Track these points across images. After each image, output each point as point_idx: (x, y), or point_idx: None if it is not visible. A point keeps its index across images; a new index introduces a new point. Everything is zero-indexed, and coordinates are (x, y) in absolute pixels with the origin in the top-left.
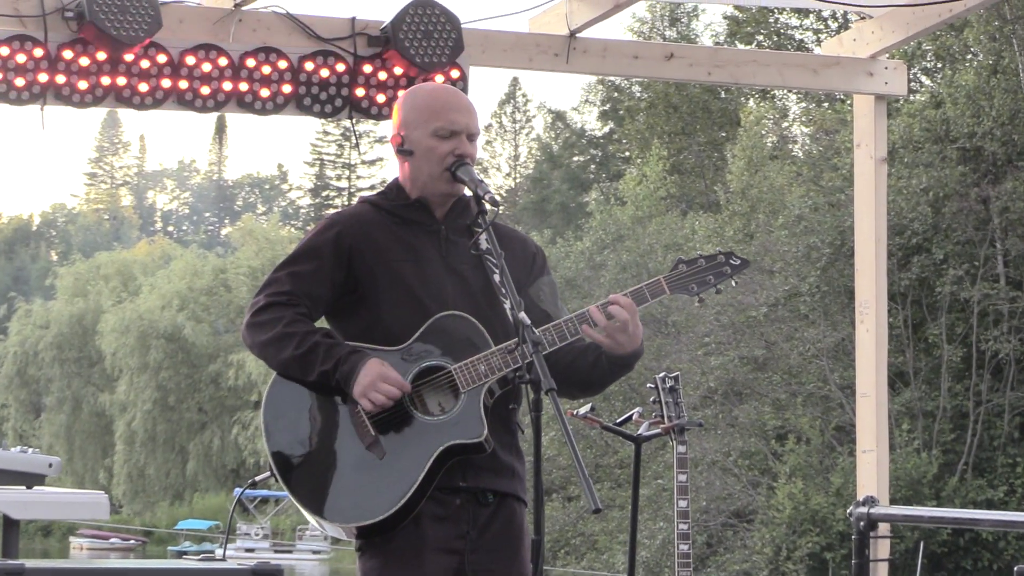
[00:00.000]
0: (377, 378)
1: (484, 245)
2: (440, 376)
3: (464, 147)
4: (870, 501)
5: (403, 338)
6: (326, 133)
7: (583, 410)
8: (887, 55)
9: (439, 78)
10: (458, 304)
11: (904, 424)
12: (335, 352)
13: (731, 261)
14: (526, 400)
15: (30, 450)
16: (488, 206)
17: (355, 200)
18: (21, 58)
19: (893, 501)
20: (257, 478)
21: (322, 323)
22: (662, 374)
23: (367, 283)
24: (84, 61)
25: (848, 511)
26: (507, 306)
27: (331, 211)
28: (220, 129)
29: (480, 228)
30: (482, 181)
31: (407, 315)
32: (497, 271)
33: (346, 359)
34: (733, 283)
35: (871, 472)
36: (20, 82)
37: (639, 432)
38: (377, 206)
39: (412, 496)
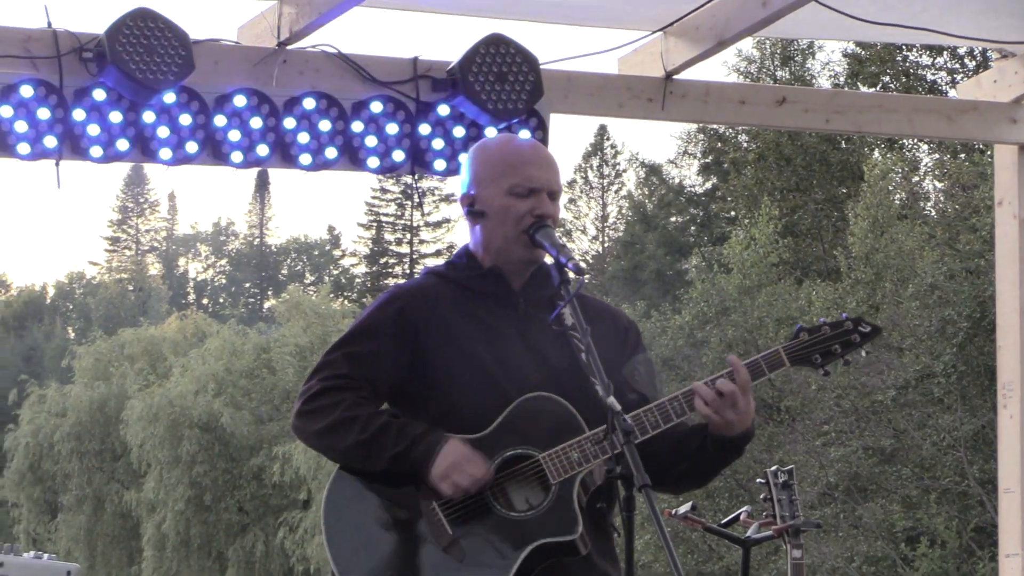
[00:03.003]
0: (461, 459)
1: (568, 320)
2: (527, 466)
3: (544, 206)
4: None
5: (480, 427)
6: (384, 191)
7: (683, 509)
8: None
9: (516, 127)
10: (540, 388)
11: None
12: (407, 432)
13: (860, 328)
14: (618, 499)
15: (46, 556)
16: (572, 275)
17: (418, 269)
18: (32, 106)
19: None
20: None
21: None
22: (774, 468)
23: (436, 366)
24: (105, 109)
25: None
26: (596, 389)
27: (391, 281)
28: (262, 187)
29: (563, 300)
30: (565, 246)
31: (483, 402)
32: (583, 349)
33: (421, 439)
34: (863, 354)
35: None
36: (31, 134)
37: (748, 534)
38: (445, 277)
39: None
